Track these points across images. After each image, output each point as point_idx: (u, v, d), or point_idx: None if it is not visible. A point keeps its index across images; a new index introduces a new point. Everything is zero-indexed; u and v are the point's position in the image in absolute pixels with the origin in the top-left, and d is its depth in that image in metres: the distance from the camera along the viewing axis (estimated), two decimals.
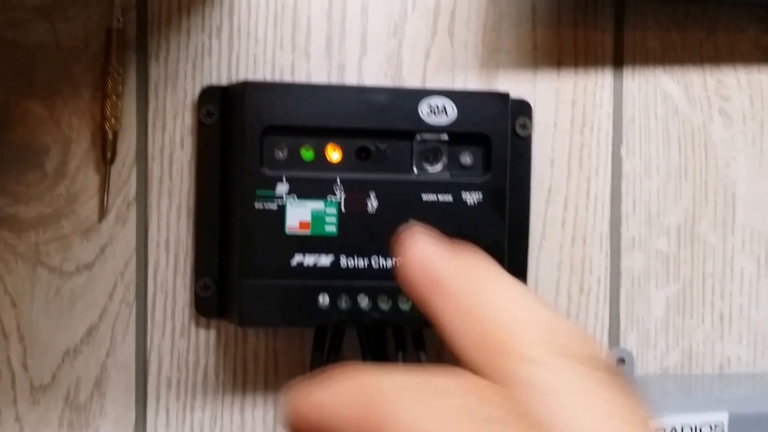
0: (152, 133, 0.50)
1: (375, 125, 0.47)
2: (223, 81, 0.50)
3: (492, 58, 0.52)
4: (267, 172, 0.46)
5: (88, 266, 0.49)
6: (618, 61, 0.54)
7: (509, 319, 0.20)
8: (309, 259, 0.47)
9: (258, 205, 0.46)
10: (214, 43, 0.50)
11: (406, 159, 0.48)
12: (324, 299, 0.47)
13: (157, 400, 0.50)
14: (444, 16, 0.52)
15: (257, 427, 0.51)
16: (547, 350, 0.20)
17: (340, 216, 0.47)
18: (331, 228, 0.47)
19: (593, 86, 0.53)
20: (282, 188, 0.46)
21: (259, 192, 0.46)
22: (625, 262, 0.54)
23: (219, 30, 0.50)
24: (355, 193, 0.47)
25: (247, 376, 0.51)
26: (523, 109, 0.52)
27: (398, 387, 0.18)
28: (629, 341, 0.54)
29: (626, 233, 0.54)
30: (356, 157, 0.48)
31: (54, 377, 0.49)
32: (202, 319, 0.50)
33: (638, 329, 0.54)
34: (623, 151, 0.54)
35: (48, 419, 0.49)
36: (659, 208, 0.54)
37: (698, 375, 0.55)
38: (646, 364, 0.55)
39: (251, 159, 0.46)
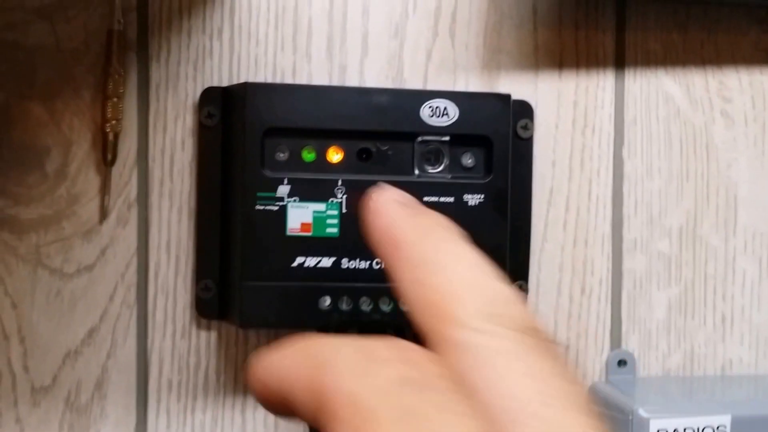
0: (153, 135, 0.50)
1: (376, 127, 0.47)
2: (224, 82, 0.50)
3: (493, 60, 0.52)
4: (268, 173, 0.46)
5: (89, 268, 0.49)
6: (619, 62, 0.54)
7: (455, 287, 0.21)
8: (310, 261, 0.47)
9: (259, 207, 0.46)
10: (215, 44, 0.50)
11: (407, 160, 0.48)
12: (325, 301, 0.47)
13: (158, 401, 0.50)
14: (445, 18, 0.52)
15: (258, 428, 0.51)
16: (486, 318, 0.20)
17: (342, 217, 0.47)
18: (332, 229, 0.47)
19: (595, 87, 0.53)
20: (283, 190, 0.46)
21: (260, 193, 0.46)
22: (627, 264, 0.54)
23: (220, 31, 0.50)
24: (357, 194, 0.47)
25: None
26: (524, 110, 0.52)
27: (342, 355, 0.19)
28: (631, 343, 0.54)
29: (628, 235, 0.54)
30: (357, 158, 0.48)
31: (55, 379, 0.49)
32: (203, 321, 0.50)
33: (640, 331, 0.54)
34: (625, 152, 0.54)
35: (49, 421, 0.49)
36: (661, 210, 0.54)
37: (700, 377, 0.55)
38: (647, 366, 0.54)
39: (252, 160, 0.46)
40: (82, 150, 0.49)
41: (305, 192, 0.46)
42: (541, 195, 0.53)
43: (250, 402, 0.51)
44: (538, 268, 0.53)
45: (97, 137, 0.49)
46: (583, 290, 0.54)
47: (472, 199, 0.48)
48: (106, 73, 0.48)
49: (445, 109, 0.47)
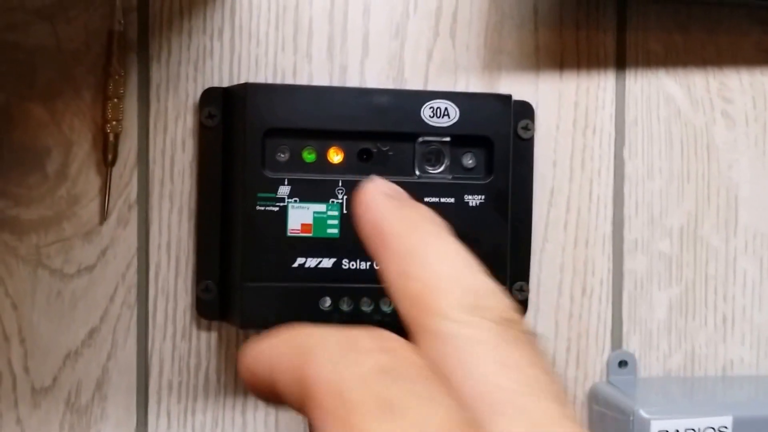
0: (153, 135, 0.50)
1: (377, 127, 0.47)
2: (225, 83, 0.50)
3: (494, 60, 0.52)
4: (269, 174, 0.46)
5: (89, 268, 0.49)
6: (620, 62, 0.54)
7: (438, 280, 0.22)
8: (311, 262, 0.47)
9: (259, 207, 0.46)
10: (216, 44, 0.50)
11: (408, 161, 0.48)
12: (326, 302, 0.47)
13: (159, 402, 0.50)
14: (446, 18, 0.52)
15: (258, 429, 0.51)
16: (467, 310, 0.21)
17: (342, 218, 0.47)
18: (333, 230, 0.47)
19: (595, 88, 0.53)
20: (284, 190, 0.46)
21: (260, 194, 0.46)
22: (628, 264, 0.54)
23: (220, 32, 0.50)
24: None
25: None
26: (525, 110, 0.52)
27: (324, 344, 0.19)
28: (632, 343, 0.54)
29: (629, 235, 0.54)
30: (358, 159, 0.48)
31: (55, 380, 0.49)
32: (204, 322, 0.50)
33: (641, 331, 0.54)
34: (626, 153, 0.54)
35: (49, 422, 0.49)
36: (662, 210, 0.54)
37: (701, 377, 0.55)
38: (648, 367, 0.54)
39: (253, 161, 0.46)
40: (83, 151, 0.49)
41: (306, 193, 0.46)
42: (542, 195, 0.53)
43: (251, 403, 0.51)
44: (538, 269, 0.53)
45: (97, 138, 0.49)
46: (583, 291, 0.54)
47: (473, 200, 0.48)
48: (106, 73, 0.48)
49: (445, 109, 0.47)
